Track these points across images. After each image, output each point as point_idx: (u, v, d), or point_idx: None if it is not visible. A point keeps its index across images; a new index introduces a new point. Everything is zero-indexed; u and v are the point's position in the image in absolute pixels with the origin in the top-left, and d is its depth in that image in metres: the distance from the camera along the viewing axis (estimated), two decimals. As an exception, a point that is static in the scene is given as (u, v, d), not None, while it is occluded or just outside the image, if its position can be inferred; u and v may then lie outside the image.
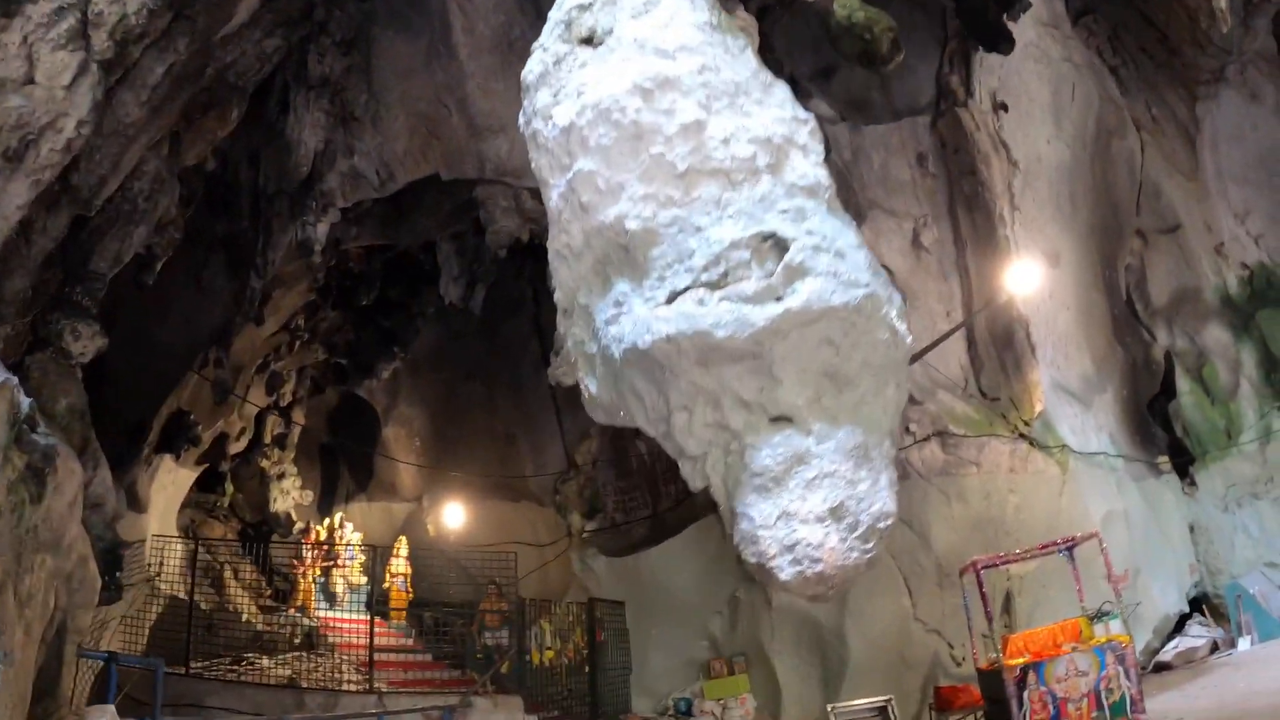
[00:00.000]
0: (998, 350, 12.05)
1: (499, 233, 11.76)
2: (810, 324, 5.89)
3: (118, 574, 8.31)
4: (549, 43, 5.75)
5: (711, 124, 5.18)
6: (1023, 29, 12.61)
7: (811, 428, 6.10)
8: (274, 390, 16.80)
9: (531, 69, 5.75)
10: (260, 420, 17.06)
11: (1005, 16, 11.53)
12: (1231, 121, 14.31)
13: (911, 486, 11.32)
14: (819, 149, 5.41)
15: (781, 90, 5.54)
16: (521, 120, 6.31)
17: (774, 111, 5.42)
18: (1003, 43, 8.51)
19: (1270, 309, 13.96)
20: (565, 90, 5.49)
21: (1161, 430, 14.04)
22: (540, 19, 6.96)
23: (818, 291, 5.49)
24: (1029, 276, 11.32)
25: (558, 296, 6.53)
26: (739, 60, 5.45)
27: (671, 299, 5.70)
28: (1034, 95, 12.82)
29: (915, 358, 11.40)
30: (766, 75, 5.57)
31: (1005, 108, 12.20)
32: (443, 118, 11.28)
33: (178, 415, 13.16)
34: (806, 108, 11.90)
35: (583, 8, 5.59)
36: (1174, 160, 14.44)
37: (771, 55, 11.47)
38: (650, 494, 12.85)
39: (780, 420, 6.16)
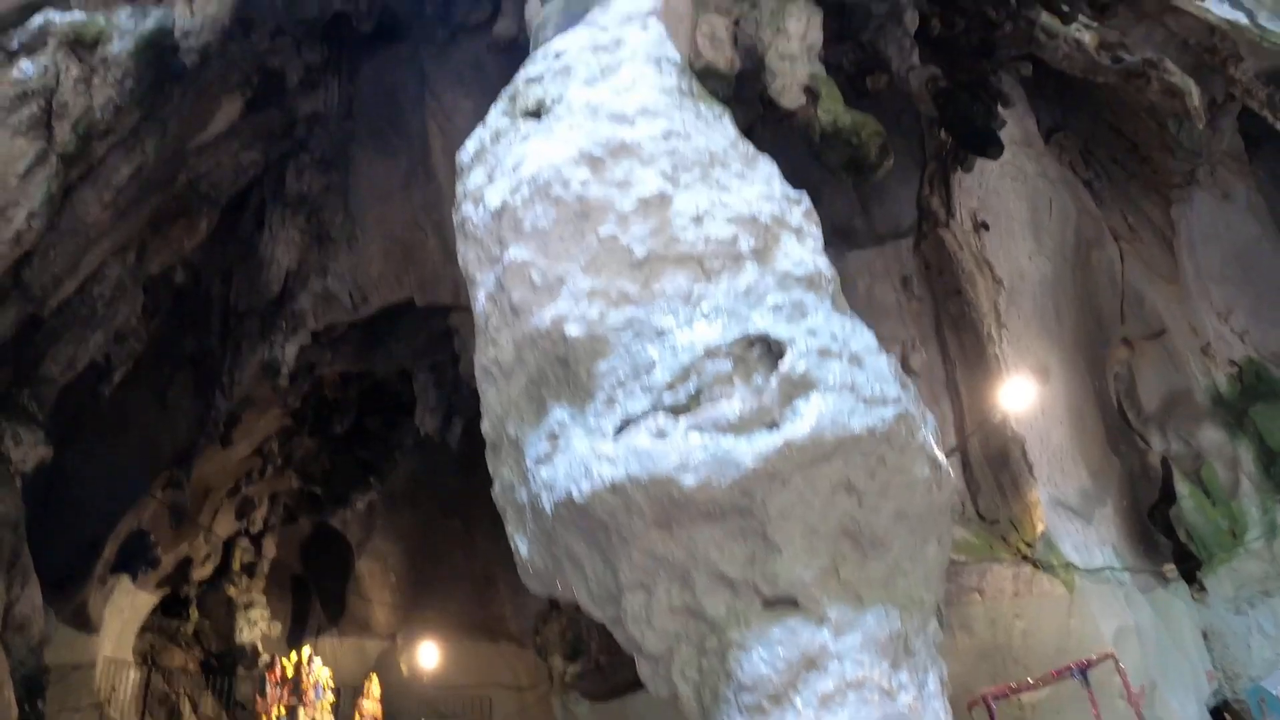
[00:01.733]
0: (994, 471, 12.27)
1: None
2: (821, 461, 4.29)
3: (40, 703, 7.86)
4: (491, 118, 4.84)
5: (679, 198, 4.12)
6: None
7: (826, 614, 4.45)
8: (244, 516, 16.54)
9: (467, 148, 4.84)
10: (229, 546, 16.75)
11: (976, 111, 12.19)
12: (1206, 222, 14.69)
13: (915, 617, 11.37)
14: (816, 234, 4.58)
15: (767, 165, 4.50)
16: (454, 211, 5.33)
17: (758, 188, 4.33)
18: (991, 147, 8.83)
19: (1263, 404, 14.16)
20: (501, 167, 4.54)
21: (1165, 537, 13.91)
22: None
23: (830, 413, 3.99)
24: (1022, 394, 11.58)
25: (484, 427, 5.14)
26: (715, 127, 4.36)
27: (621, 429, 4.27)
28: (1013, 213, 13.12)
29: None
30: (748, 147, 4.51)
31: (986, 226, 12.62)
32: (419, 241, 11.24)
33: (137, 535, 12.90)
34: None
35: (531, 81, 4.68)
36: (1153, 265, 14.86)
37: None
38: None
39: (780, 604, 4.49)
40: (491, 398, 4.88)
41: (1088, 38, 11.39)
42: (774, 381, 4.01)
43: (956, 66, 11.70)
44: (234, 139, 9.81)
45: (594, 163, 4.17)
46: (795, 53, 6.64)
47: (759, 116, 7.77)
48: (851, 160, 6.34)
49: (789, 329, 4.05)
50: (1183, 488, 14.05)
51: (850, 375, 4.10)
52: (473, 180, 4.80)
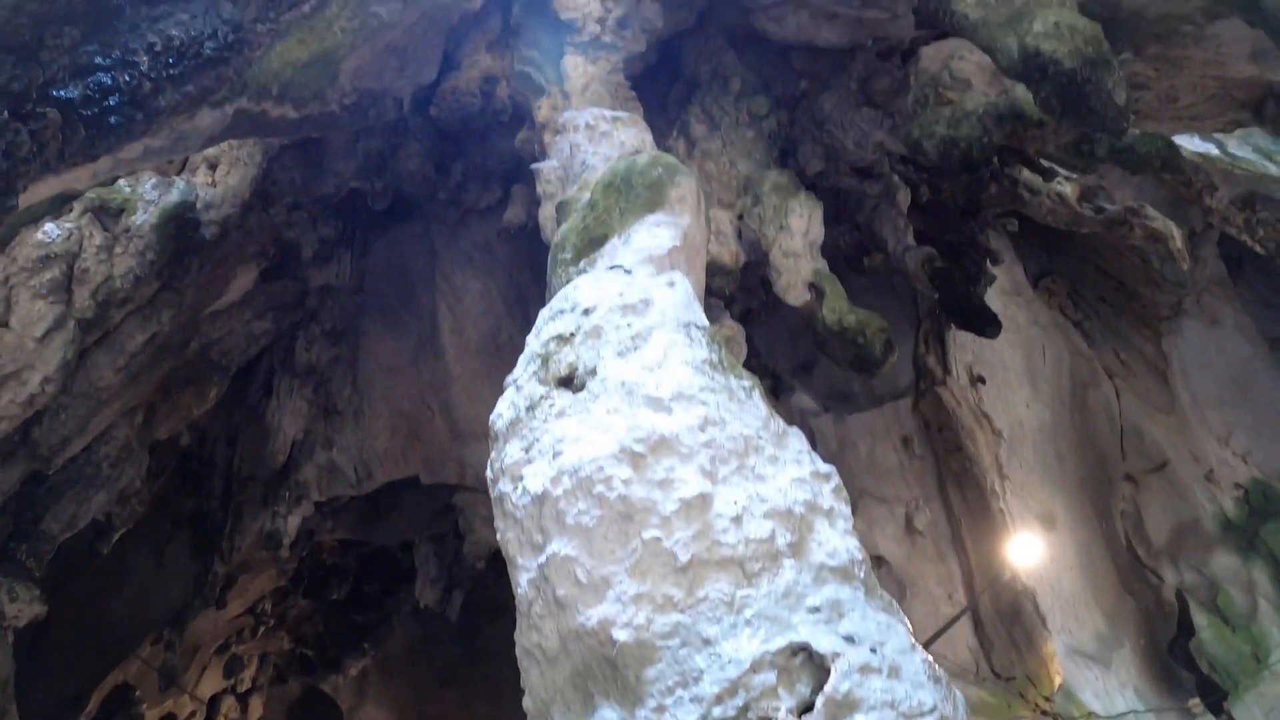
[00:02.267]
0: (1006, 627, 12.00)
1: (478, 543, 11.72)
2: (861, 778, 3.95)
3: None
4: (523, 380, 4.84)
5: (719, 497, 4.04)
6: (989, 301, 13.37)
7: None
8: (232, 674, 16.00)
9: (501, 413, 4.86)
10: (214, 703, 16.01)
11: (974, 292, 12.30)
12: (1197, 349, 14.75)
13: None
14: (846, 510, 4.41)
15: (797, 440, 4.50)
16: (488, 475, 5.10)
17: (791, 470, 4.28)
18: (989, 327, 8.80)
19: (1272, 523, 14.06)
20: (539, 445, 4.47)
21: (1187, 672, 13.75)
22: (528, 324, 6.71)
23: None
24: (1029, 549, 11.50)
25: (527, 704, 4.94)
26: (746, 407, 4.43)
27: None
28: (1008, 363, 13.12)
29: (925, 645, 11.46)
30: (778, 423, 4.56)
31: (983, 380, 12.60)
32: (425, 419, 11.16)
33: (121, 689, 12.48)
34: (791, 402, 12.56)
35: (562, 340, 4.71)
36: (1150, 399, 14.89)
37: (755, 356, 12.05)
38: None
39: None
40: (535, 679, 4.58)
41: (1069, 189, 11.49)
42: (820, 702, 3.67)
43: (945, 228, 11.84)
44: (247, 308, 9.85)
45: (635, 459, 4.11)
46: (799, 249, 6.64)
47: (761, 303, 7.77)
48: (857, 358, 6.29)
49: (829, 638, 3.65)
50: (1200, 619, 13.77)
51: (891, 691, 3.67)
52: (509, 454, 4.55)
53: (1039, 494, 12.94)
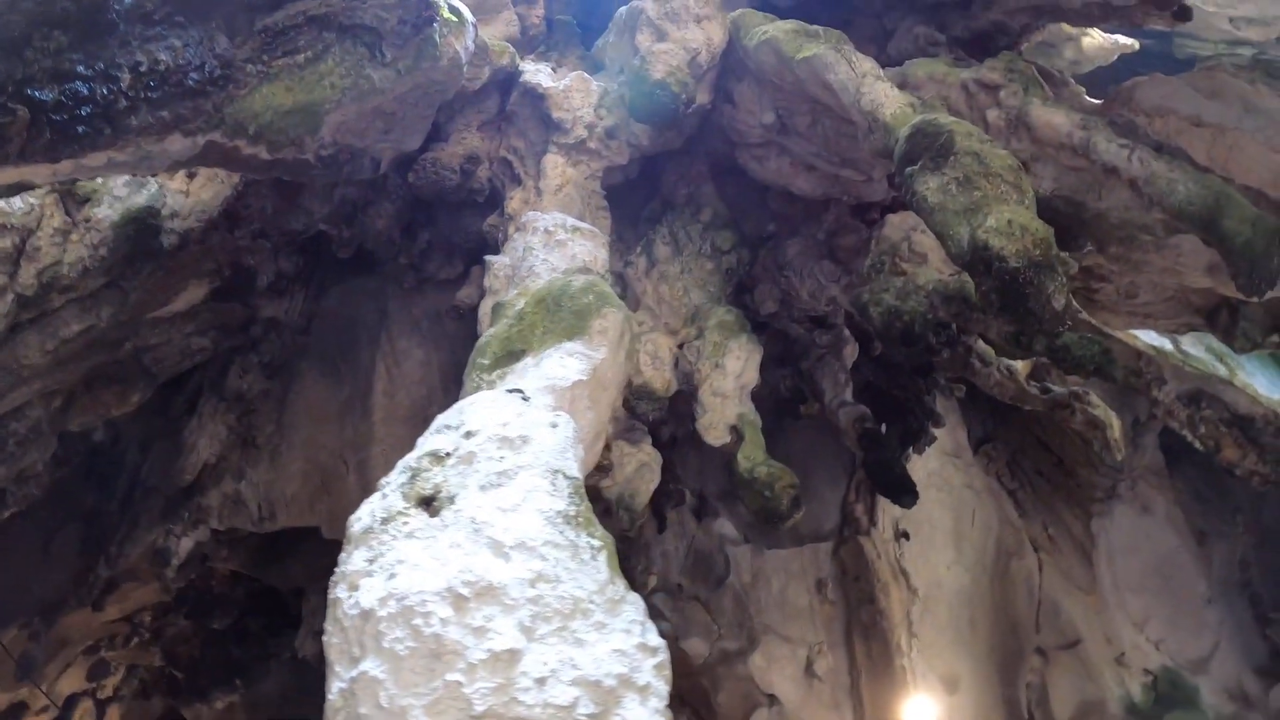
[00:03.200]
0: None
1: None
2: None
3: None
4: (390, 490, 4.68)
5: (530, 655, 3.86)
6: (926, 460, 13.07)
7: None
8: (96, 679, 15.26)
9: (360, 517, 4.62)
10: (71, 703, 15.03)
11: (911, 449, 12.17)
12: (1125, 534, 14.74)
13: None
14: (663, 688, 4.05)
15: (632, 610, 4.24)
16: (332, 576, 5.25)
17: (616, 639, 4.07)
18: (905, 496, 8.66)
19: (1178, 711, 13.96)
20: (382, 561, 4.30)
21: None
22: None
23: None
24: (926, 711, 11.28)
25: None
26: (587, 568, 4.26)
27: None
28: (936, 522, 12.91)
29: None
30: (617, 589, 4.34)
31: (907, 536, 12.41)
32: (339, 474, 10.74)
33: None
34: (713, 527, 12.31)
35: (436, 458, 4.56)
36: (1071, 576, 14.76)
37: (680, 479, 11.84)
38: None
39: None
40: None
41: (1019, 366, 11.44)
42: None
43: (894, 383, 11.74)
44: (190, 322, 9.46)
45: (459, 601, 3.89)
46: (729, 391, 6.45)
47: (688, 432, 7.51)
48: (763, 509, 6.03)
49: None
50: (1096, 800, 13.55)
51: None
52: (354, 562, 4.33)
53: (946, 655, 12.67)
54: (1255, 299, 5.58)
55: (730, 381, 6.36)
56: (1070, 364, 5.33)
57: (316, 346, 11.25)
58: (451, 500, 4.17)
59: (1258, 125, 6.46)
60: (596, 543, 3.94)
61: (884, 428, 12.51)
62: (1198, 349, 12.99)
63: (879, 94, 5.96)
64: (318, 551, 10.74)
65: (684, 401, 6.71)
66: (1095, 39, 13.86)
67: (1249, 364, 13.07)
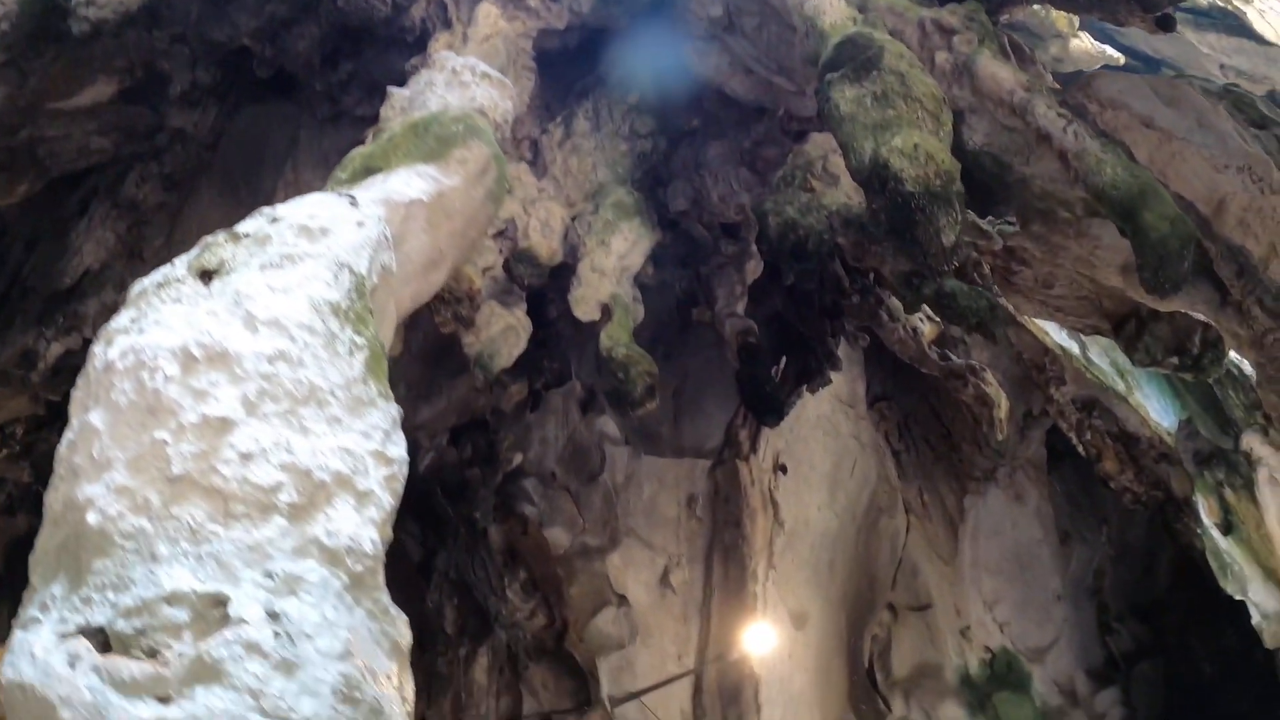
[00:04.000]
0: (723, 705, 11.47)
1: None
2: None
3: None
4: (179, 260, 4.34)
5: (245, 429, 3.52)
6: (819, 401, 12.81)
7: None
8: None
9: (140, 281, 4.30)
10: None
11: (806, 388, 11.94)
12: (994, 517, 14.83)
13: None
14: (387, 501, 3.73)
15: (379, 417, 3.87)
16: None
17: (349, 438, 3.72)
18: (770, 415, 8.34)
19: (1009, 693, 14.24)
20: (142, 322, 3.97)
21: None
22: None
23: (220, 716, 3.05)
24: (765, 639, 11.19)
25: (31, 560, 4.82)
26: (339, 361, 3.87)
27: (70, 635, 3.43)
28: (815, 464, 12.74)
29: (635, 695, 10.97)
30: (368, 391, 3.95)
31: (784, 470, 12.19)
32: None
33: None
34: (595, 424, 12.00)
35: (234, 236, 4.21)
36: (935, 544, 14.78)
37: (554, 360, 11.46)
38: None
39: None
40: (41, 538, 4.02)
41: (927, 330, 11.22)
42: (182, 658, 3.12)
43: (803, 319, 11.45)
44: (93, 120, 8.75)
45: (189, 362, 3.56)
46: (609, 269, 6.06)
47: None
48: (616, 391, 5.66)
49: (256, 607, 3.21)
50: (915, 756, 13.74)
51: (269, 681, 3.11)
52: (120, 319, 3.91)
53: (800, 592, 12.58)
54: (1159, 299, 5.31)
55: (613, 260, 5.97)
56: (955, 313, 5.03)
57: (220, 165, 10.55)
58: (230, 274, 3.87)
59: (1207, 142, 6.13)
60: (360, 340, 3.55)
61: (783, 360, 12.33)
62: (1103, 360, 12.91)
63: (825, 2, 5.55)
64: None
65: (568, 276, 6.31)
66: (1083, 43, 13.49)
67: (1146, 385, 13.00)
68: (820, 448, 13.00)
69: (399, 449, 3.76)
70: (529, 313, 7.48)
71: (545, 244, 6.11)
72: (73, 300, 10.06)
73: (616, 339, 5.51)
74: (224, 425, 3.47)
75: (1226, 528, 12.44)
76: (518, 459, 9.33)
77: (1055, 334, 12.72)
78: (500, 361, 5.80)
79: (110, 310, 9.38)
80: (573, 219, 6.31)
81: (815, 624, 12.93)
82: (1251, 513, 12.26)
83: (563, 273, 6.32)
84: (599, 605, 10.72)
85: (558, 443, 11.26)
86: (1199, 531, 12.30)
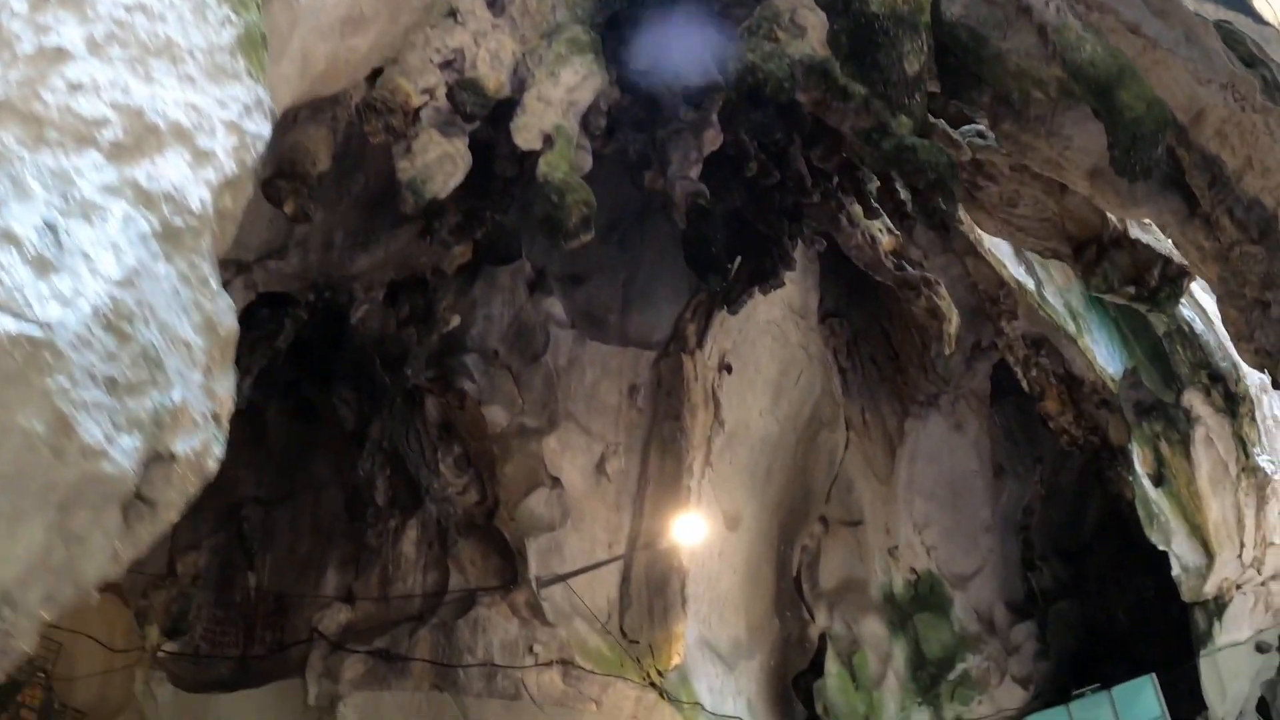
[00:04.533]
0: (649, 594, 11.30)
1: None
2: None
3: None
4: None
5: (81, 64, 3.17)
6: (770, 306, 12.39)
7: None
8: None
9: None
10: None
11: (759, 289, 11.59)
12: (933, 442, 14.72)
13: (522, 710, 10.50)
14: (230, 170, 3.36)
15: (244, 91, 3.50)
16: None
17: (203, 99, 3.35)
18: (712, 275, 7.88)
19: (929, 614, 14.44)
20: None
21: (802, 705, 13.55)
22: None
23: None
24: (695, 530, 10.90)
25: None
26: (205, 28, 3.51)
27: None
28: (761, 368, 12.45)
29: (562, 578, 10.72)
30: (237, 65, 3.58)
31: (729, 369, 11.81)
32: None
33: None
34: (542, 305, 11.58)
35: None
36: (872, 463, 14.61)
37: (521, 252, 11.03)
38: (245, 634, 11.36)
39: None
40: None
41: (885, 241, 10.88)
42: None
43: (761, 217, 11.03)
44: None
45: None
46: (554, 99, 5.60)
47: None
48: (548, 218, 5.19)
49: (38, 218, 2.80)
50: (832, 666, 13.72)
51: (19, 275, 2.73)
52: None
53: (736, 494, 12.37)
54: (1127, 179, 4.98)
55: (560, 91, 5.52)
56: (914, 167, 4.67)
57: None
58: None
59: (1192, 55, 5.78)
60: (235, 18, 3.14)
61: (738, 259, 11.94)
62: (1057, 300, 12.62)
63: None
64: None
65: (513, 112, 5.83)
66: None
67: (1097, 330, 12.74)
68: (767, 353, 12.68)
69: (258, 128, 3.35)
70: (475, 164, 7.05)
71: (493, 76, 5.64)
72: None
73: (556, 165, 5.08)
74: (59, 56, 3.10)
75: (1158, 479, 12.41)
76: (455, 320, 8.91)
77: (1012, 268, 12.48)
78: (433, 188, 5.36)
79: None
80: (525, 55, 5.84)
81: (748, 527, 12.75)
82: (1184, 468, 12.27)
83: (509, 110, 5.86)
84: (532, 486, 10.41)
85: (502, 320, 10.85)
86: (1130, 479, 12.26)
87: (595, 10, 6.19)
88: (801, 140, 10.20)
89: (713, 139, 7.28)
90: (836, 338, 14.12)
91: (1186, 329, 11.71)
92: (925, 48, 4.05)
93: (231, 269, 6.99)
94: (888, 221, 10.82)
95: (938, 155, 4.59)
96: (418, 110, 5.61)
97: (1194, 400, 11.67)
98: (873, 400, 14.32)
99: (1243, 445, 11.60)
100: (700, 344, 11.50)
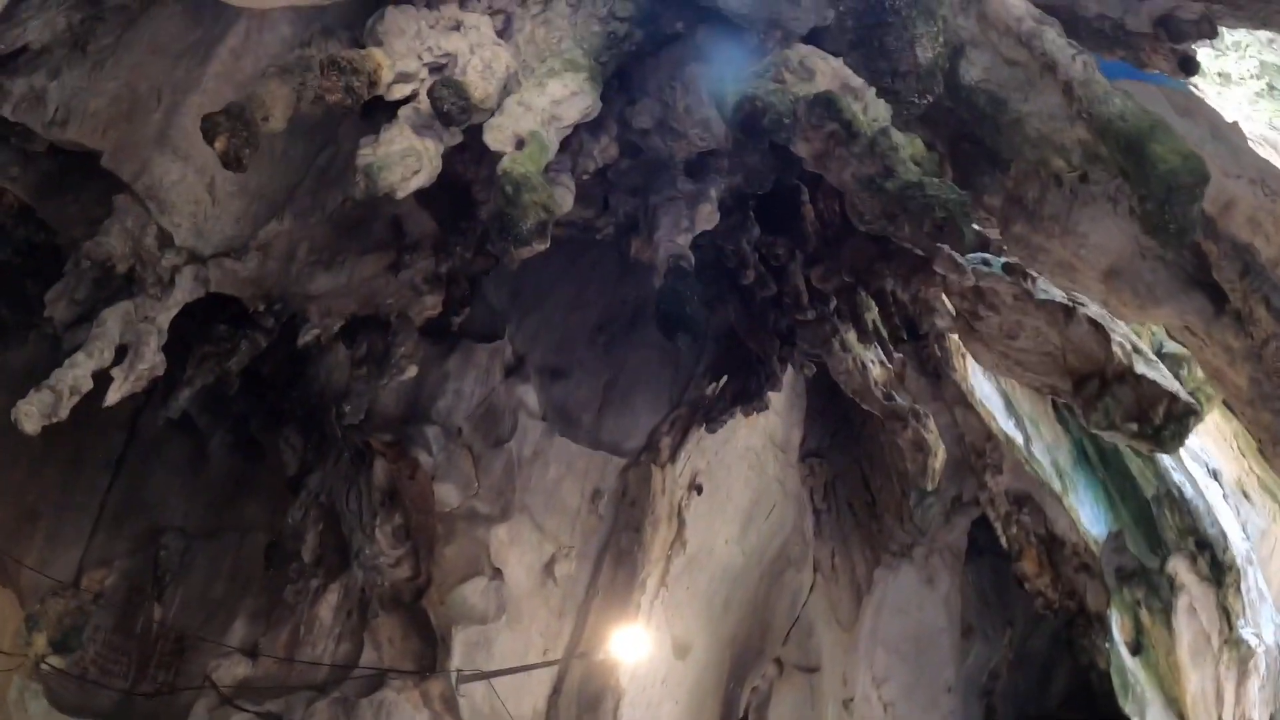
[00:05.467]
0: (580, 710, 9.91)
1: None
2: None
3: None
4: None
5: None
6: (751, 433, 11.74)
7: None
8: None
9: None
10: None
11: (741, 410, 10.91)
12: (902, 595, 13.70)
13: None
14: None
15: None
16: None
17: None
18: (680, 332, 6.94)
19: None
20: None
21: None
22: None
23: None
24: (638, 646, 9.88)
25: None
26: None
27: None
28: (732, 495, 11.60)
29: (487, 675, 9.56)
30: None
31: (700, 490, 10.88)
32: (148, 109, 8.46)
33: None
34: (515, 389, 10.82)
35: None
36: (837, 609, 13.57)
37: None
38: (138, 667, 10.12)
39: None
40: None
41: (876, 373, 10.24)
42: None
43: (753, 334, 10.51)
44: None
45: None
46: (536, 106, 4.99)
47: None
48: (500, 215, 4.41)
49: None
50: (773, 819, 12.50)
51: None
52: None
53: (689, 622, 11.30)
54: (1164, 246, 4.37)
55: (544, 100, 4.91)
56: (921, 205, 4.01)
57: None
58: None
59: (1220, 152, 5.41)
60: None
61: (724, 379, 11.30)
62: (1045, 457, 12.00)
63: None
64: (95, 199, 8.93)
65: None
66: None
67: (1083, 491, 12.03)
68: (741, 480, 11.87)
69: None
70: (453, 201, 6.48)
71: (482, 84, 5.06)
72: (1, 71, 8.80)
73: (521, 163, 4.39)
74: None
75: (1136, 648, 11.44)
76: (412, 371, 8.14)
77: (1002, 421, 11.90)
78: (390, 178, 4.70)
79: (37, 98, 8.01)
80: (518, 70, 5.30)
81: (697, 658, 11.64)
82: (1164, 638, 11.31)
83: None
84: (471, 573, 9.41)
85: (472, 399, 10.08)
86: (1105, 647, 11.30)
87: (603, 47, 5.68)
88: (803, 257, 9.80)
89: (708, 214, 6.69)
90: (815, 478, 13.36)
91: (1176, 493, 11.01)
92: (940, 34, 3.47)
93: (184, 255, 6.38)
94: (880, 353, 10.26)
95: (946, 191, 3.95)
96: (393, 104, 5.05)
97: (1179, 567, 10.85)
98: (844, 545, 13.42)
99: (1227, 617, 10.71)
100: (673, 458, 10.72)
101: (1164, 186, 3.74)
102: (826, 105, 4.32)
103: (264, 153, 6.63)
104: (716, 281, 10.12)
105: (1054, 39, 4.64)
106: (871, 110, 4.55)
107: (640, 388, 11.17)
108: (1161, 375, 6.12)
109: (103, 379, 6.43)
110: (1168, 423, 5.98)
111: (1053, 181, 5.41)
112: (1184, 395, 5.88)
